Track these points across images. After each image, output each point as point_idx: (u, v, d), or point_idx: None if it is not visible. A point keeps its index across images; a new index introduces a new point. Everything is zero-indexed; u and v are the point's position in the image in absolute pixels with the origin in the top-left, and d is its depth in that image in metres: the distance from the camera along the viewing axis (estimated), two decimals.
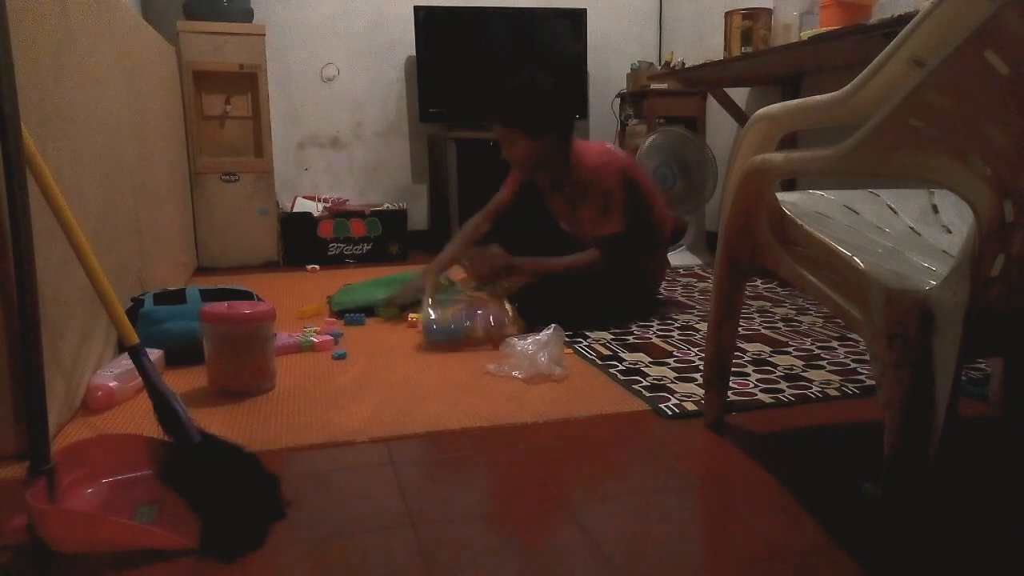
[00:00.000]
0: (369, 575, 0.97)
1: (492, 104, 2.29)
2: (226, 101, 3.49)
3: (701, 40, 3.87)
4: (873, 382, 1.60)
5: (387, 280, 2.67)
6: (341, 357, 1.94)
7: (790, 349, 1.97)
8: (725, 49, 3.02)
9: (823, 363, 1.84)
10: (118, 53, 2.12)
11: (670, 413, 1.52)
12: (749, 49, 2.88)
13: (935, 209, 1.36)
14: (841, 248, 1.05)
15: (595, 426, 1.48)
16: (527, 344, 1.81)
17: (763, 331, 2.17)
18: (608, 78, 4.25)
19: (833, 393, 1.63)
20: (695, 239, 3.51)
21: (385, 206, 3.87)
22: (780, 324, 2.25)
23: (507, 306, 2.15)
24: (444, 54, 3.90)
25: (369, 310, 2.39)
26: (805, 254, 1.17)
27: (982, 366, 1.76)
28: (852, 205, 1.37)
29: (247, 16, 3.51)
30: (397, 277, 2.68)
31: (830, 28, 2.38)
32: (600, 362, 1.88)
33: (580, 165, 2.29)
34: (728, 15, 2.99)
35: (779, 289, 2.79)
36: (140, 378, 1.24)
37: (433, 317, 2.08)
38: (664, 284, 2.95)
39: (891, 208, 1.37)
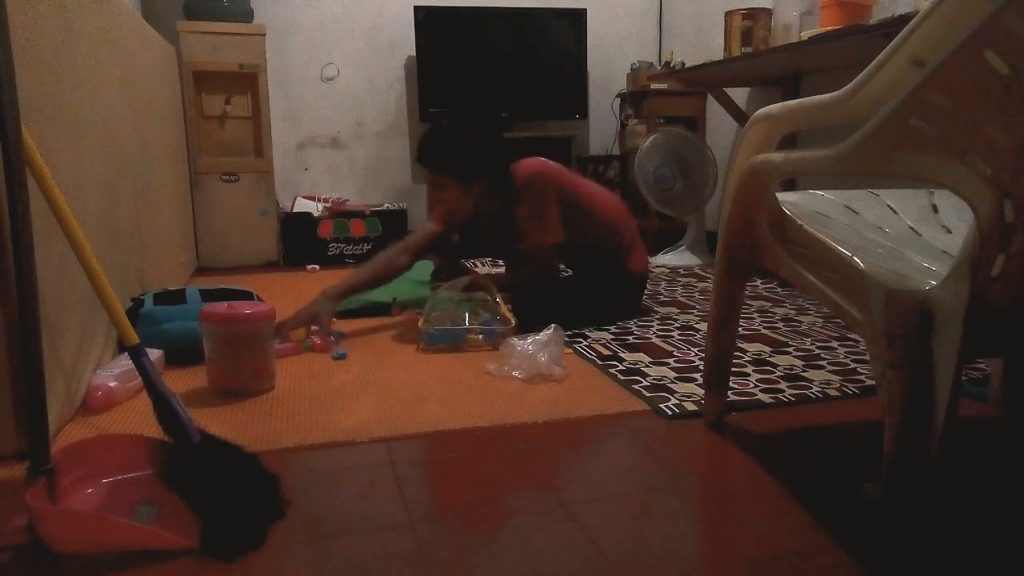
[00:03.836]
0: (369, 575, 0.97)
1: (421, 147, 2.20)
2: (226, 101, 3.49)
3: (701, 40, 3.87)
4: (873, 382, 1.61)
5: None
6: (341, 357, 1.94)
7: (790, 349, 1.97)
8: (725, 49, 3.02)
9: (823, 363, 1.84)
10: (118, 53, 2.12)
11: (670, 413, 1.52)
12: (749, 49, 2.88)
13: (935, 209, 1.36)
14: (841, 248, 1.05)
15: (595, 426, 1.48)
16: (527, 344, 1.81)
17: (763, 331, 2.17)
18: (608, 78, 4.26)
19: (833, 393, 1.63)
20: (695, 239, 3.51)
21: (385, 206, 3.87)
22: (780, 324, 2.25)
23: (503, 307, 2.14)
24: (444, 54, 3.90)
25: (369, 311, 2.39)
26: (805, 254, 1.17)
27: (982, 366, 1.76)
28: (852, 205, 1.37)
29: (247, 16, 3.52)
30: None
31: (830, 28, 2.38)
32: (600, 362, 1.88)
33: (513, 186, 2.19)
34: (728, 15, 3.00)
35: (779, 289, 2.79)
36: (140, 378, 1.24)
37: (431, 319, 2.08)
38: (664, 284, 2.95)
39: (891, 208, 1.37)
